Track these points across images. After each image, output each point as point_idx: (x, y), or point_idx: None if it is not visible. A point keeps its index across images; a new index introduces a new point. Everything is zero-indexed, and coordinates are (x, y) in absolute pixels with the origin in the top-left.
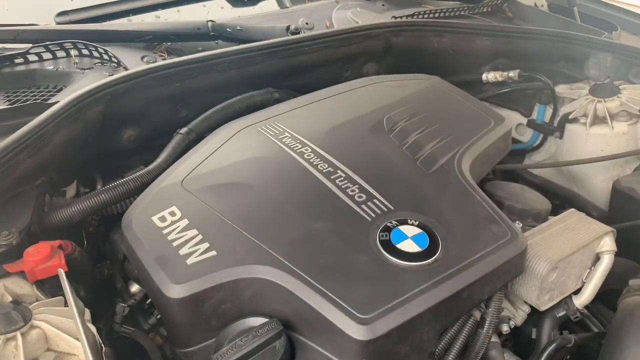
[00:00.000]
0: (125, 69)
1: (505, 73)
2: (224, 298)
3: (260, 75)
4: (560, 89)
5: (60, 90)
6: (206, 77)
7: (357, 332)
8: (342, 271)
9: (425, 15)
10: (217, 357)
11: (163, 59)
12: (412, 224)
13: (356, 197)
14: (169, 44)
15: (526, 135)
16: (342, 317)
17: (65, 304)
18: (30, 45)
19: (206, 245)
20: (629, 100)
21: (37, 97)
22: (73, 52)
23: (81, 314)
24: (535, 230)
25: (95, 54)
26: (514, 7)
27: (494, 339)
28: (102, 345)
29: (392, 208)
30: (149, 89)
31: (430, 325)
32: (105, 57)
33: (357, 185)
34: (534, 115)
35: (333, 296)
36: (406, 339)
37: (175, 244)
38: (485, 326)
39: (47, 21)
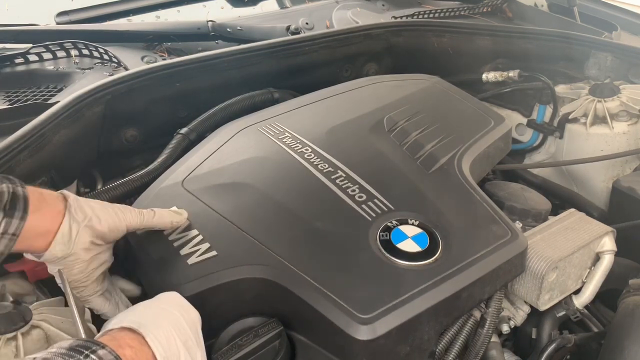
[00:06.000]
0: (126, 69)
1: (505, 73)
2: (224, 298)
3: (260, 75)
4: (560, 89)
5: (60, 90)
6: (206, 77)
7: (357, 331)
8: (343, 271)
9: (425, 15)
10: (217, 357)
11: (163, 59)
12: (413, 224)
13: (356, 197)
14: (169, 44)
15: (526, 135)
16: (342, 317)
17: (66, 304)
18: (30, 45)
19: (207, 245)
20: (629, 100)
21: (37, 97)
22: (73, 52)
23: (81, 314)
24: (535, 230)
25: (96, 54)
26: (514, 7)
27: (494, 339)
28: None
29: (392, 208)
30: (149, 89)
31: (430, 325)
32: (106, 57)
33: (357, 185)
34: (534, 115)
35: (333, 296)
36: (406, 338)
37: (175, 244)
38: (486, 326)
39: (47, 21)
